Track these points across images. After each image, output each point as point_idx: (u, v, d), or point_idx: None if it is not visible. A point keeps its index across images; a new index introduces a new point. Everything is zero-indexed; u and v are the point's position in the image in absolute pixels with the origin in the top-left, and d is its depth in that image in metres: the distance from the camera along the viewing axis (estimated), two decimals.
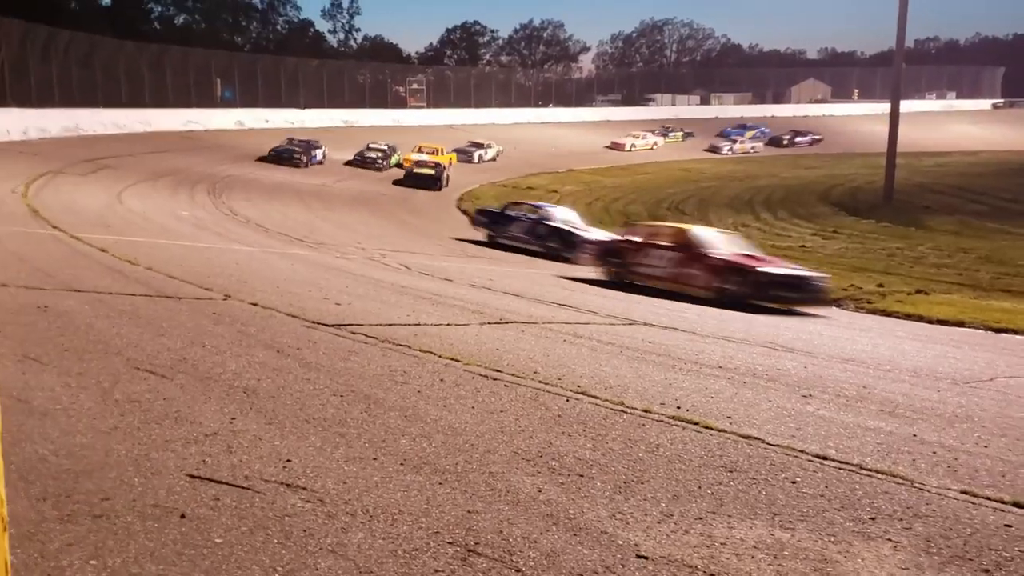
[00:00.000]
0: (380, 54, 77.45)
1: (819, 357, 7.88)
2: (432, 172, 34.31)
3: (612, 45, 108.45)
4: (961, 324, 11.75)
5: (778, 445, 4.53)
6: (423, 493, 3.41)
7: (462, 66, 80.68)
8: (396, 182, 33.89)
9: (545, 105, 69.36)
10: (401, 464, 3.75)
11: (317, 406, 4.54)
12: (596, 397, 5.26)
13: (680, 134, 60.39)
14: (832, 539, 3.30)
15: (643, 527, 3.27)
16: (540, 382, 5.55)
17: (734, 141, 59.18)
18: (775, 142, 61.60)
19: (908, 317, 12.45)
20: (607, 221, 24.73)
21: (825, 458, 4.35)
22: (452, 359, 5.98)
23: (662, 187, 39.17)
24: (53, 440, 3.61)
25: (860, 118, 70.25)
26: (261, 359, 5.50)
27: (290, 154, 34.84)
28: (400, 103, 60.05)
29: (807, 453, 4.42)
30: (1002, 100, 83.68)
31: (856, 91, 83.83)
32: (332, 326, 6.85)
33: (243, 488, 3.28)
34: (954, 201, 34.23)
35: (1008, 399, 6.64)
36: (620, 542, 3.11)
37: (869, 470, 4.21)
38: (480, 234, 20.71)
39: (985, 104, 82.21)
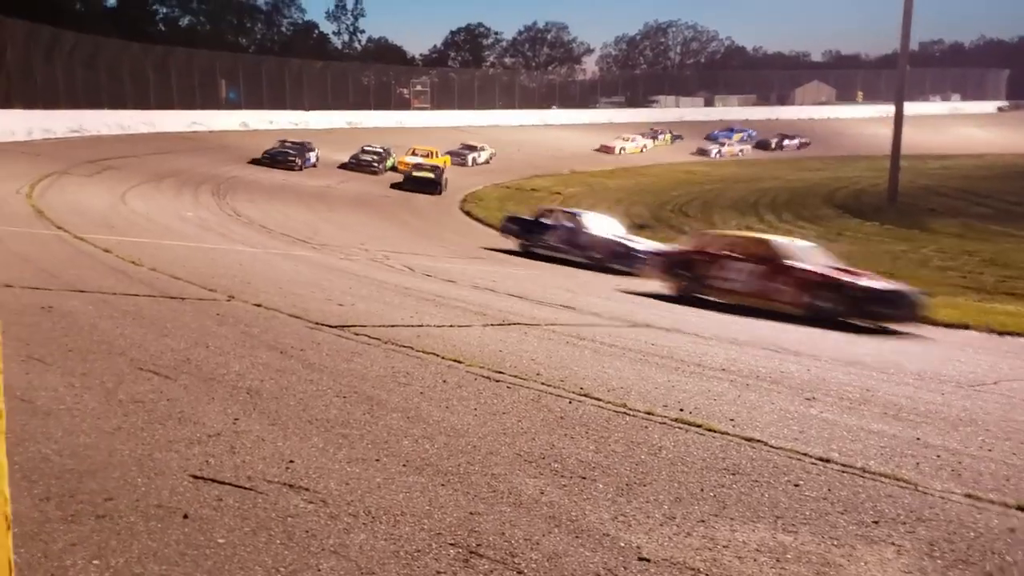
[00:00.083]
0: (384, 56, 77.54)
1: (822, 360, 7.87)
2: (432, 176, 33.58)
3: (616, 47, 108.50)
4: (966, 327, 11.73)
5: (781, 448, 4.52)
6: (425, 494, 3.41)
7: (466, 68, 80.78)
8: (394, 186, 33.27)
9: (549, 107, 69.36)
10: (403, 465, 3.75)
11: (320, 407, 4.55)
12: (599, 399, 5.26)
13: (668, 137, 60.37)
14: (835, 542, 3.29)
15: (645, 529, 3.27)
16: (543, 384, 5.55)
17: (722, 144, 59.12)
18: (763, 145, 61.61)
19: None
20: None
21: (828, 461, 4.34)
22: (455, 361, 5.98)
23: (666, 189, 39.16)
24: (57, 440, 3.61)
25: (864, 120, 70.18)
26: (264, 360, 5.51)
27: (284, 156, 34.04)
28: (404, 105, 60.12)
29: (810, 456, 4.41)
30: (1007, 103, 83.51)
31: (860, 93, 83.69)
32: (335, 327, 6.86)
33: (246, 489, 3.28)
34: (958, 204, 34.16)
35: (1012, 403, 6.62)
36: (622, 544, 3.10)
37: (872, 473, 4.20)
38: (511, 242, 19.61)
39: (990, 107, 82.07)
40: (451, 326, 7.68)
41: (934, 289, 15.95)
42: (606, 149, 53.94)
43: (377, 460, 3.79)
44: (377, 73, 61.64)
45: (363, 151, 37.46)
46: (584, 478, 3.79)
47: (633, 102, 75.48)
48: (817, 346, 8.90)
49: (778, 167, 50.85)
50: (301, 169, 33.90)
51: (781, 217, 30.96)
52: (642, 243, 17.43)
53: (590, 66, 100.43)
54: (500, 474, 3.75)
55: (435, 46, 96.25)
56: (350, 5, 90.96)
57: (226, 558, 2.69)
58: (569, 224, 18.23)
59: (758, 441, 4.61)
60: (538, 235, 18.76)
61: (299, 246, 15.43)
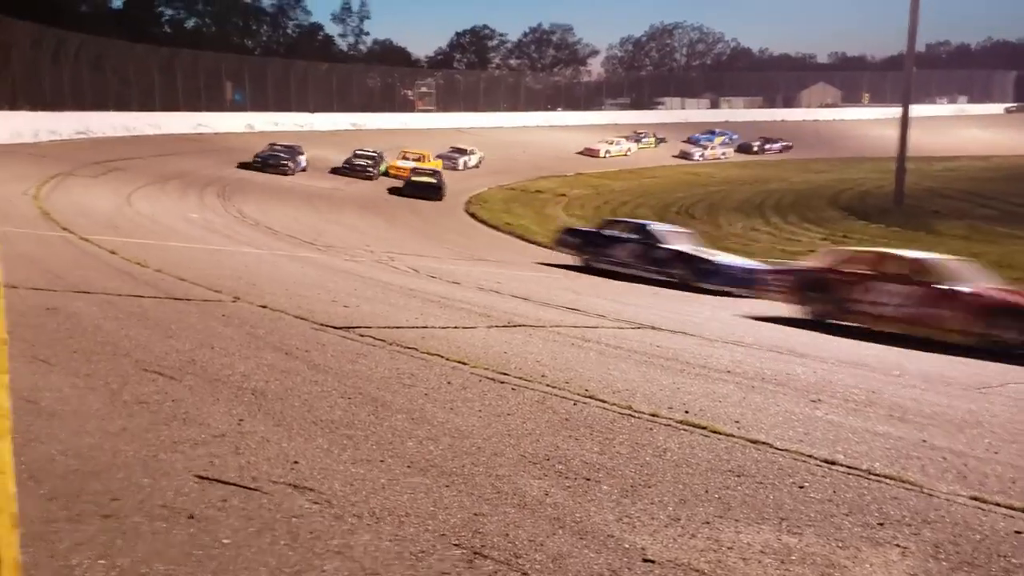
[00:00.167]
0: (389, 58, 77.79)
1: (828, 362, 7.85)
2: (433, 181, 31.97)
3: (621, 48, 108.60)
4: None
5: (786, 450, 4.51)
6: (430, 495, 3.41)
7: (471, 70, 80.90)
8: (393, 191, 32.23)
9: (554, 108, 69.44)
10: (408, 466, 3.75)
11: (325, 408, 4.55)
12: (603, 401, 5.25)
13: (653, 140, 60.34)
14: (840, 544, 3.28)
15: (650, 531, 3.26)
16: (547, 386, 5.55)
17: (704, 147, 59.04)
18: (744, 148, 61.61)
19: None
20: None
21: (833, 463, 4.33)
22: (459, 362, 5.98)
23: (671, 191, 39.18)
24: (62, 441, 3.62)
25: (870, 122, 70.13)
26: (270, 361, 5.52)
27: (277, 160, 32.35)
28: (408, 107, 60.24)
29: (815, 458, 4.40)
30: (1014, 104, 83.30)
31: (866, 95, 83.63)
32: (340, 328, 6.87)
33: (251, 489, 3.29)
34: (964, 206, 34.09)
35: (1019, 405, 6.60)
36: (627, 546, 3.10)
37: (878, 475, 4.19)
38: (569, 257, 18.34)
39: (997, 108, 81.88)
40: (456, 328, 7.68)
41: None
42: (590, 152, 53.12)
43: (381, 461, 3.80)
44: (382, 75, 61.86)
45: (356, 155, 35.68)
46: (589, 479, 3.79)
47: (638, 104, 75.54)
48: (822, 348, 8.89)
49: (784, 168, 50.84)
50: (293, 173, 32.30)
51: (786, 219, 30.95)
52: (721, 257, 16.43)
53: (595, 68, 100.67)
54: (504, 475, 3.75)
55: (440, 48, 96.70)
56: (355, 7, 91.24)
57: (231, 558, 2.70)
58: (639, 237, 16.82)
59: (763, 443, 4.60)
60: (602, 249, 17.34)
61: (304, 248, 15.47)
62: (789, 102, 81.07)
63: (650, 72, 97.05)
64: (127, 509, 2.98)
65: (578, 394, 5.37)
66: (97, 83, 37.99)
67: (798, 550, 3.19)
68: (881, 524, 3.52)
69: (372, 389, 5.05)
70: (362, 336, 6.64)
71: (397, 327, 7.27)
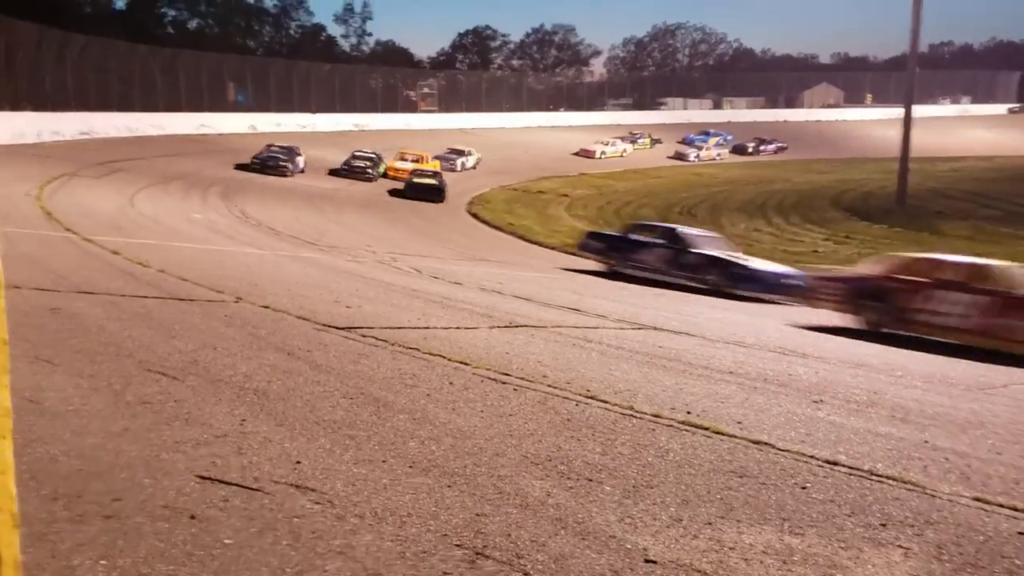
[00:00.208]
0: (392, 59, 77.85)
1: (830, 362, 7.84)
2: (435, 182, 31.48)
3: (624, 49, 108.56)
4: None
5: (788, 450, 4.50)
6: (432, 496, 3.41)
7: (473, 70, 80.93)
8: (393, 192, 31.93)
9: (556, 109, 69.46)
10: (410, 467, 3.75)
11: (327, 408, 4.55)
12: (605, 402, 5.25)
13: (648, 141, 60.21)
14: (842, 545, 3.27)
15: (652, 532, 3.26)
16: (549, 386, 5.55)
17: (699, 148, 58.90)
18: (739, 149, 61.48)
19: None
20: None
21: (836, 464, 4.33)
22: (461, 362, 5.98)
23: (674, 191, 39.17)
24: (64, 441, 3.63)
25: (873, 123, 70.08)
26: (272, 361, 5.52)
27: (275, 161, 31.87)
28: (411, 107, 60.27)
29: (817, 459, 4.40)
30: (1018, 105, 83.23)
31: (869, 96, 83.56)
32: (342, 329, 6.87)
33: (253, 489, 3.29)
34: (967, 206, 34.05)
35: (1022, 405, 6.59)
36: (629, 546, 3.09)
37: (880, 476, 4.18)
38: (594, 262, 17.50)
39: (1000, 109, 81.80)
40: (458, 328, 7.69)
41: None
42: (586, 153, 52.65)
43: (384, 461, 3.80)
44: (384, 76, 61.87)
45: (355, 156, 35.30)
46: (591, 480, 3.79)
47: (641, 104, 75.58)
48: (824, 349, 8.87)
49: (787, 169, 50.80)
50: (292, 175, 31.89)
51: (789, 220, 30.93)
52: (756, 262, 15.83)
53: (598, 68, 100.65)
54: (506, 476, 3.75)
55: (443, 48, 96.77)
56: (358, 8, 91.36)
57: (232, 558, 2.70)
58: (668, 241, 16.04)
59: (765, 443, 4.59)
60: (629, 254, 16.55)
61: (307, 248, 15.48)
62: (791, 102, 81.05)
63: (652, 72, 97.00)
64: (129, 509, 2.98)
65: (580, 395, 5.37)
66: (100, 84, 38.08)
67: (800, 551, 3.18)
68: (883, 525, 3.52)
69: (374, 389, 5.05)
70: (364, 337, 6.64)
71: (399, 328, 7.27)
